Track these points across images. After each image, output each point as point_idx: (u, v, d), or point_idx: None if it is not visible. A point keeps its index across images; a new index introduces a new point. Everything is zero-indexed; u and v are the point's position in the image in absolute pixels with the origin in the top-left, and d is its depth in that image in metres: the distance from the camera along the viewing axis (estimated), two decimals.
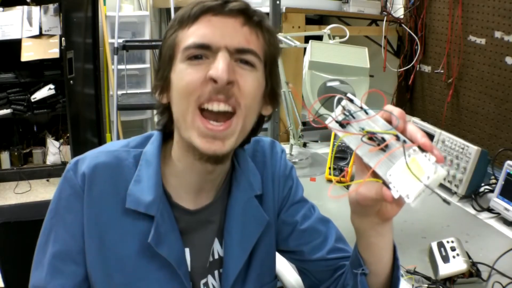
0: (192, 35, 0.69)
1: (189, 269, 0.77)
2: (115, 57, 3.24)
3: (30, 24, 3.20)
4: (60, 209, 0.75)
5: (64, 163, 3.53)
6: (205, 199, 0.79)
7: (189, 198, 0.78)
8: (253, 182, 0.82)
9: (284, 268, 1.05)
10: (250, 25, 0.71)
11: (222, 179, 0.80)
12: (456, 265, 0.96)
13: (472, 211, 1.35)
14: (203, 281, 0.79)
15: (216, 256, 0.80)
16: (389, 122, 0.61)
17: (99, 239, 0.73)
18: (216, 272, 0.80)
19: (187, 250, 0.77)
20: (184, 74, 0.69)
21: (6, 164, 3.53)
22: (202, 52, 0.69)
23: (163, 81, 0.73)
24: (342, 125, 0.65)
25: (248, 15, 0.71)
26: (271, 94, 0.76)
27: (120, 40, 3.30)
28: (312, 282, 0.87)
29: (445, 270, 0.96)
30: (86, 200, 0.73)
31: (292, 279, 1.03)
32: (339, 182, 1.49)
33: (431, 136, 1.53)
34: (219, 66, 0.66)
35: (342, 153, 1.55)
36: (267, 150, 0.87)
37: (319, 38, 1.48)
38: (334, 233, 0.87)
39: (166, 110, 0.75)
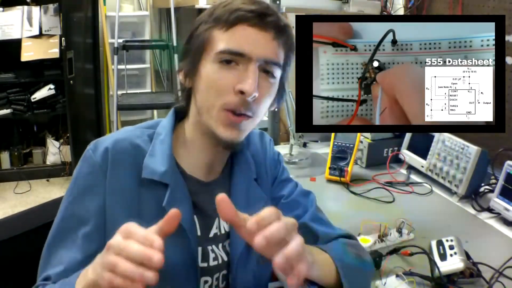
0: (227, 40, 0.76)
1: (199, 233, 0.85)
2: (115, 57, 3.24)
3: (30, 24, 3.20)
4: (79, 187, 0.80)
5: (64, 163, 3.49)
6: (214, 175, 0.89)
7: (201, 172, 0.87)
8: (251, 167, 0.93)
9: None
10: (279, 40, 0.79)
11: (226, 159, 0.91)
12: (453, 263, 0.96)
13: (472, 211, 1.35)
14: (210, 247, 0.87)
15: (223, 231, 0.89)
16: None
17: (125, 208, 0.79)
18: (220, 245, 0.89)
19: (195, 218, 0.85)
20: (215, 77, 0.77)
21: (6, 164, 3.52)
22: (234, 58, 0.76)
23: (190, 68, 0.81)
24: None
25: (279, 30, 0.78)
26: (279, 94, 0.85)
27: (120, 40, 3.30)
28: None
29: (441, 268, 0.96)
30: (110, 173, 0.79)
31: None
32: (339, 182, 1.49)
33: (431, 137, 1.53)
34: (249, 81, 0.75)
35: (342, 153, 1.55)
36: (257, 141, 0.98)
37: None
38: (314, 205, 0.98)
39: (187, 92, 0.84)
